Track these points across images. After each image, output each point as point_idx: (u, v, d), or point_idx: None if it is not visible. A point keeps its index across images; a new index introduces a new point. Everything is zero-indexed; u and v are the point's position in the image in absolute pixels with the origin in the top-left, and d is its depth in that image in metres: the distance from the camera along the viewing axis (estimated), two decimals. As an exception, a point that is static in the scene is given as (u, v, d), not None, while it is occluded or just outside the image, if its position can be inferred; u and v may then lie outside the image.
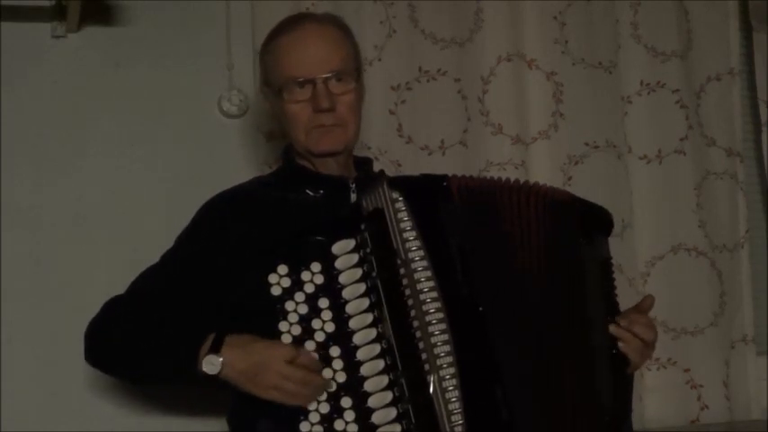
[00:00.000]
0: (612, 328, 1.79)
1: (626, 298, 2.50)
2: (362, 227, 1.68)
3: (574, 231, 1.79)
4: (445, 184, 1.73)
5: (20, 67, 2.30)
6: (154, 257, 1.87)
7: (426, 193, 1.72)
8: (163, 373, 1.75)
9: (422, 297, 1.66)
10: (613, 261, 2.47)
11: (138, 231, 2.31)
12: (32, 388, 2.25)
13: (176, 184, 2.35)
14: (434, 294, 1.66)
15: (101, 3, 2.26)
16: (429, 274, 1.66)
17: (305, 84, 1.82)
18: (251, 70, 2.36)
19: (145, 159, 2.36)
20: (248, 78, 2.38)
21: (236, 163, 2.37)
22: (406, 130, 2.45)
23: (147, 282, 1.83)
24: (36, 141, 2.30)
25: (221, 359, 1.65)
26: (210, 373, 1.65)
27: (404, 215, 1.68)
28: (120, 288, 1.85)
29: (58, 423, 2.24)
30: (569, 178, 2.55)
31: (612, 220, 1.89)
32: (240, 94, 2.40)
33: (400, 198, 1.69)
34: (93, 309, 1.82)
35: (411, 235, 1.67)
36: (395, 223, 1.68)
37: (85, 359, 1.83)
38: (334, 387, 1.64)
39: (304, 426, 1.62)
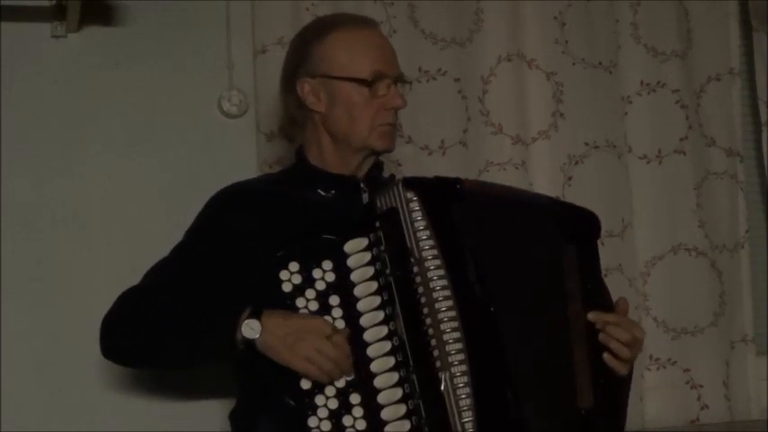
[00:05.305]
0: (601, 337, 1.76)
1: (626, 298, 2.53)
2: (376, 225, 1.69)
3: (552, 234, 1.78)
4: (459, 186, 1.75)
5: (20, 67, 2.30)
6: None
7: (441, 194, 1.72)
8: (196, 347, 1.71)
9: (434, 295, 1.67)
10: (613, 263, 2.50)
11: (138, 231, 2.31)
12: (32, 388, 2.25)
13: (176, 183, 2.34)
14: (447, 293, 1.67)
15: (101, 3, 2.26)
16: (442, 273, 1.67)
17: (380, 79, 1.82)
18: (251, 70, 2.37)
19: (145, 159, 2.36)
20: (248, 78, 2.38)
21: (235, 163, 2.37)
22: (406, 130, 2.44)
23: (160, 274, 1.81)
24: (36, 141, 2.30)
25: (261, 325, 1.64)
26: (250, 337, 1.63)
27: (418, 215, 1.69)
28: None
29: (57, 423, 2.24)
30: (569, 178, 2.55)
31: (599, 224, 1.85)
32: (240, 94, 2.39)
33: (415, 198, 1.69)
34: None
35: (425, 234, 1.68)
36: (409, 223, 1.69)
37: (104, 354, 1.80)
38: (351, 376, 1.64)
39: (312, 421, 1.62)
